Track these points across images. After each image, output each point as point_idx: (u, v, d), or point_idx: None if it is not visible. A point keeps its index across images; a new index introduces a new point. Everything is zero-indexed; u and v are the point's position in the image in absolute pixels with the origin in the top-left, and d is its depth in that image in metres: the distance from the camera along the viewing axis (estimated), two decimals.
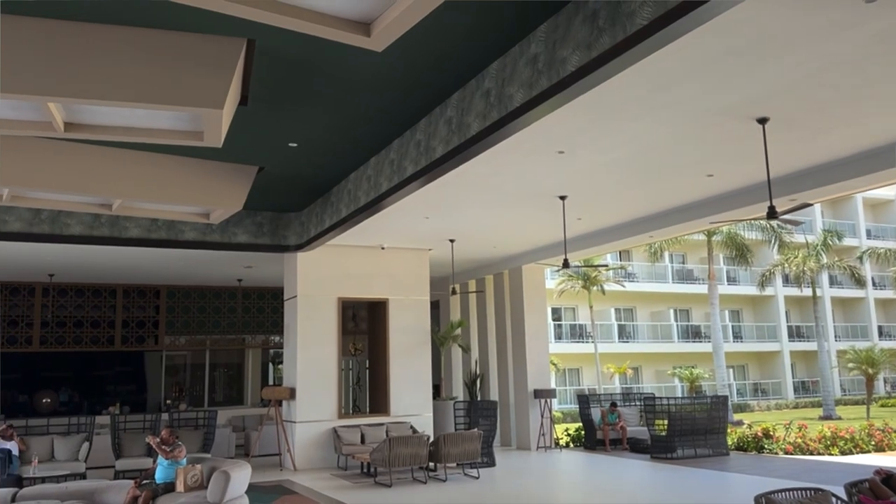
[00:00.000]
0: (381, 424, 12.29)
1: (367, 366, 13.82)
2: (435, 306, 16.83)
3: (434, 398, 13.57)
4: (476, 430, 11.15)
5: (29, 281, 15.24)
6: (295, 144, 8.39)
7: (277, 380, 18.14)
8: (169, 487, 7.52)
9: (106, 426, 12.26)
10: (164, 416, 12.22)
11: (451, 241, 12.46)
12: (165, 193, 8.62)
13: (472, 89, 6.64)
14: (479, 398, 14.86)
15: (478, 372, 15.30)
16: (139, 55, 5.45)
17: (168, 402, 16.14)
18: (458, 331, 15.45)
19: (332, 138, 8.27)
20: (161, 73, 5.46)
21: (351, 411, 13.14)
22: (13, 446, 9.72)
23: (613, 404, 14.42)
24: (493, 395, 15.40)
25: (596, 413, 14.45)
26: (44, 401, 15.31)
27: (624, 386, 28.22)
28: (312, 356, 12.17)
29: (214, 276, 15.54)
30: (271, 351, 18.32)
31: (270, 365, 18.62)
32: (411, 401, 12.82)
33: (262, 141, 8.26)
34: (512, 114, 5.97)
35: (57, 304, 15.61)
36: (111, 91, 5.30)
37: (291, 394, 12.05)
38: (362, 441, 11.87)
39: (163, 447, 7.68)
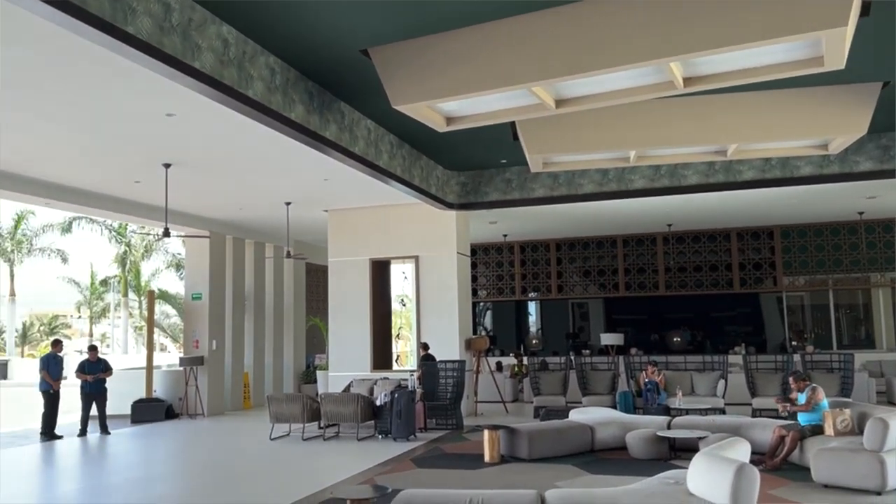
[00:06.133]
0: None
1: None
2: None
3: None
4: None
5: (650, 232, 16.96)
6: None
7: None
8: (816, 430, 7.34)
9: (734, 365, 12.73)
10: (795, 357, 11.96)
11: None
12: (780, 131, 8.33)
13: None
14: None
15: None
16: None
17: (794, 343, 15.82)
18: None
19: None
20: (778, 4, 5.21)
21: None
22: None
23: None
24: None
25: None
26: (675, 339, 16.86)
27: None
28: None
29: (831, 211, 14.48)
30: None
31: None
32: None
33: (886, 52, 7.16)
34: None
35: (676, 251, 16.95)
36: (731, 36, 5.32)
37: None
38: None
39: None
